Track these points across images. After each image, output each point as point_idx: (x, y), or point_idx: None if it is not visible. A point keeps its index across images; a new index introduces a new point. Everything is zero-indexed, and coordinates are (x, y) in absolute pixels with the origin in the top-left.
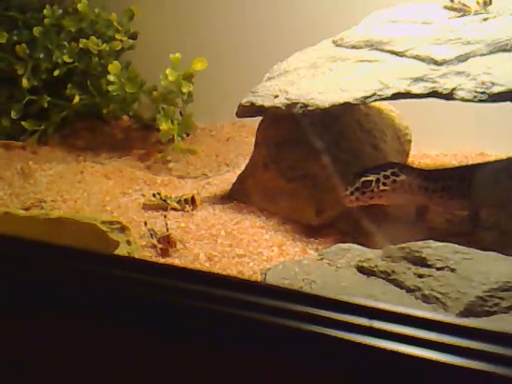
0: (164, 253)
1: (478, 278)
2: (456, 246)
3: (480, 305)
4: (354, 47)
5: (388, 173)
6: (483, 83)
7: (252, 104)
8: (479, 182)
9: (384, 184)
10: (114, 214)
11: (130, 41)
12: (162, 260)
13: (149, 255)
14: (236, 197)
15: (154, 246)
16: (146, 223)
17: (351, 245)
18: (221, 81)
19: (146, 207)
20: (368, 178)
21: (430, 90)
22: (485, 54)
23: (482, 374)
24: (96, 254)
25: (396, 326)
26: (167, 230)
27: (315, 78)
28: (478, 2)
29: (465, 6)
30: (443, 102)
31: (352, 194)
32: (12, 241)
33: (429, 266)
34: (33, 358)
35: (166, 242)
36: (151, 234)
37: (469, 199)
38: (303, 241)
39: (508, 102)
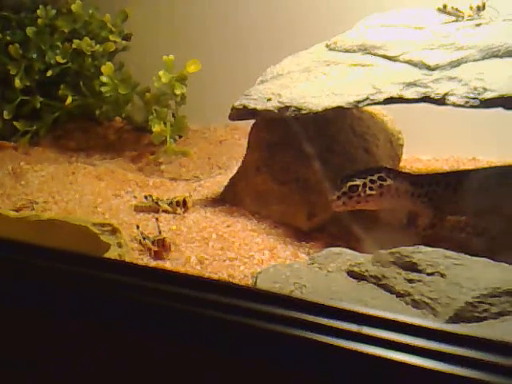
0: (158, 256)
1: (468, 283)
2: (446, 251)
3: (469, 311)
4: (347, 51)
5: (375, 177)
6: (475, 89)
7: (245, 107)
8: (466, 188)
9: (371, 188)
10: (106, 216)
11: (124, 42)
12: (153, 263)
13: (141, 258)
14: (228, 200)
15: (148, 249)
16: (138, 226)
17: (342, 249)
18: (214, 83)
19: (138, 209)
20: (355, 183)
21: (423, 95)
22: (477, 60)
23: (471, 380)
24: (86, 256)
25: (385, 333)
26: (160, 233)
27: (308, 81)
28: (471, 8)
29: (458, 11)
30: (435, 107)
31: (339, 198)
32: (2, 242)
33: (419, 271)
34: (21, 359)
35: (161, 246)
36: (144, 237)
37: (455, 205)
38: (294, 244)
39: (500, 108)
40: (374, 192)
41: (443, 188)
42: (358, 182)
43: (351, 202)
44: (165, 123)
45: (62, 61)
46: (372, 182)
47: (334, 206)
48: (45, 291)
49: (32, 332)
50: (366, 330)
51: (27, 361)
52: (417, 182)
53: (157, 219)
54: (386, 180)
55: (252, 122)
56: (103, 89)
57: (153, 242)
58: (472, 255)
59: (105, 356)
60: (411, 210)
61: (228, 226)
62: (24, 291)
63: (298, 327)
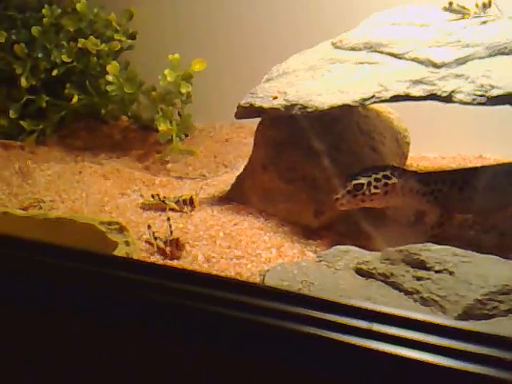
0: (171, 256)
1: (477, 281)
2: (455, 248)
3: (478, 308)
4: (353, 49)
5: (379, 176)
6: (482, 86)
7: (251, 105)
8: (473, 185)
9: (375, 187)
10: (113, 215)
11: (129, 41)
12: (161, 262)
13: (148, 256)
14: (234, 198)
15: (160, 249)
16: (149, 226)
17: (350, 247)
18: (219, 82)
19: (145, 208)
20: (359, 181)
21: (429, 93)
22: (484, 57)
23: (481, 377)
24: (94, 254)
25: (395, 329)
26: (171, 233)
27: (314, 79)
28: (477, 5)
29: (464, 8)
30: (442, 104)
31: (343, 197)
32: (10, 241)
33: (427, 269)
34: (29, 357)
35: (174, 246)
36: (155, 238)
37: (461, 203)
38: (302, 242)
39: (507, 105)
40: (378, 190)
41: (449, 186)
42: (363, 180)
43: (356, 201)
44: (171, 122)
45: (67, 60)
46: (377, 180)
47: (339, 205)
48: (53, 289)
49: (38, 330)
50: (377, 327)
51: (27, 360)
52: (422, 181)
53: (168, 219)
54: (390, 178)
55: (258, 120)
56: (109, 88)
57: (165, 242)
58: (481, 253)
59: (112, 354)
60: (417, 208)
61: (235, 225)
62: (31, 289)
63: (309, 324)
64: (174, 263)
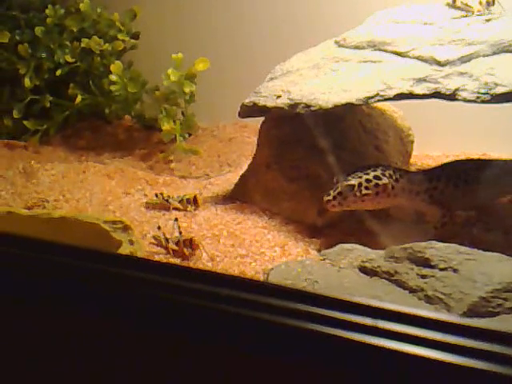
0: (183, 256)
1: (481, 278)
2: (459, 246)
3: (483, 305)
4: (356, 47)
5: (370, 176)
6: (486, 84)
7: (254, 104)
8: (468, 180)
9: (366, 188)
10: (116, 214)
11: (132, 41)
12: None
13: (159, 256)
14: (238, 197)
15: (173, 250)
16: (159, 227)
17: (354, 245)
18: (223, 81)
19: (148, 207)
20: (350, 183)
21: (433, 91)
22: (488, 55)
23: (486, 373)
24: (99, 253)
25: (400, 326)
26: (180, 233)
27: (318, 78)
28: (480, 3)
29: (467, 6)
30: (446, 102)
31: (334, 198)
32: (15, 240)
33: (432, 267)
34: (35, 357)
35: (188, 245)
36: (167, 239)
37: (457, 199)
38: (306, 241)
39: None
40: (369, 191)
41: (445, 183)
42: (354, 181)
43: (347, 202)
44: (174, 121)
45: (70, 60)
46: (367, 181)
47: (330, 207)
48: (57, 288)
49: (43, 329)
50: (382, 324)
51: (41, 357)
52: (415, 179)
53: (176, 219)
54: (381, 179)
55: (262, 119)
56: (112, 87)
57: (177, 243)
58: (485, 250)
59: (117, 352)
60: (413, 207)
61: (239, 223)
62: (36, 288)
63: (313, 322)
64: (185, 263)
